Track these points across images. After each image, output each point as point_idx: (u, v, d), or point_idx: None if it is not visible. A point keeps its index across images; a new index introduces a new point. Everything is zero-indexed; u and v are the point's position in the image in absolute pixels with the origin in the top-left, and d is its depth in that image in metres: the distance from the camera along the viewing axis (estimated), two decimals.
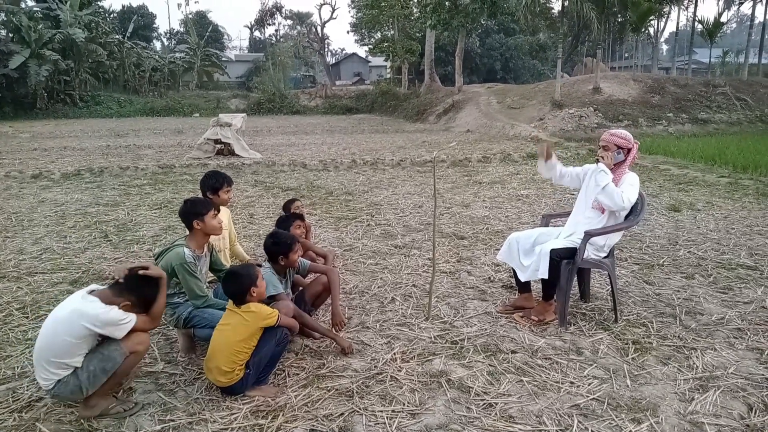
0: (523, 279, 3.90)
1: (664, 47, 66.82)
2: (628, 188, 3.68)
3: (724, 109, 20.15)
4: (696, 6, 30.95)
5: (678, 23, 69.51)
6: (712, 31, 28.14)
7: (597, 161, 3.80)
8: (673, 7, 28.54)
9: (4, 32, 32.20)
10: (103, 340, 2.66)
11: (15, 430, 2.63)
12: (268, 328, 2.93)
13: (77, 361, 2.58)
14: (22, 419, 2.71)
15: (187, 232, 3.36)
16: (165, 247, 3.32)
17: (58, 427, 2.65)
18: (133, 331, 2.67)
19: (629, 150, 3.77)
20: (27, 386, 3.01)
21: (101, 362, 2.60)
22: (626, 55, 48.63)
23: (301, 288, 3.93)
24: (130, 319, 2.65)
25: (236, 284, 2.95)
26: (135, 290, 2.69)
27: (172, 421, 2.69)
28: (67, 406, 2.80)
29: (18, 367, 3.21)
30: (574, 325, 3.76)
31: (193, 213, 3.25)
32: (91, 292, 2.66)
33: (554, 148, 4.14)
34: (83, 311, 2.54)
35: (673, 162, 11.56)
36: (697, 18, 28.69)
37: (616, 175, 3.74)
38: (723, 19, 30.70)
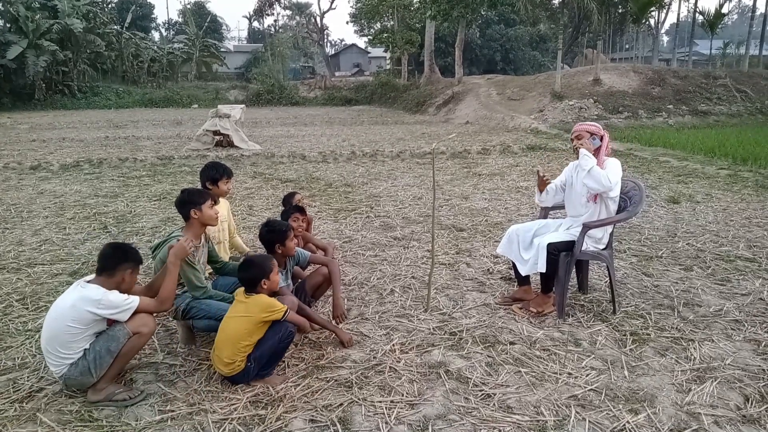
0: (523, 273, 3.90)
1: (665, 38, 66.61)
2: (612, 169, 3.71)
3: (724, 101, 20.10)
4: None
5: (679, 14, 69.24)
6: (713, 22, 28.08)
7: (575, 150, 3.84)
8: None
9: (1, 22, 32.02)
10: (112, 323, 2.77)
11: (16, 420, 2.64)
12: (275, 323, 2.93)
13: (88, 344, 2.71)
14: (23, 409, 2.73)
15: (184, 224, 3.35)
16: (162, 239, 3.32)
17: (58, 417, 2.66)
18: (138, 312, 2.77)
19: (602, 136, 3.84)
20: (27, 377, 3.02)
21: (106, 342, 2.72)
22: (627, 46, 48.46)
23: (300, 279, 3.94)
24: (132, 300, 2.75)
25: (249, 273, 3.01)
26: (124, 258, 2.83)
27: (172, 411, 2.70)
28: (68, 396, 2.82)
29: (18, 358, 3.23)
30: (572, 316, 3.77)
31: (190, 202, 3.23)
32: (88, 282, 2.75)
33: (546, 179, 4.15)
34: (86, 297, 2.66)
35: (673, 154, 11.55)
36: (698, 9, 28.61)
37: (597, 162, 3.76)
38: (724, 10, 30.62)
